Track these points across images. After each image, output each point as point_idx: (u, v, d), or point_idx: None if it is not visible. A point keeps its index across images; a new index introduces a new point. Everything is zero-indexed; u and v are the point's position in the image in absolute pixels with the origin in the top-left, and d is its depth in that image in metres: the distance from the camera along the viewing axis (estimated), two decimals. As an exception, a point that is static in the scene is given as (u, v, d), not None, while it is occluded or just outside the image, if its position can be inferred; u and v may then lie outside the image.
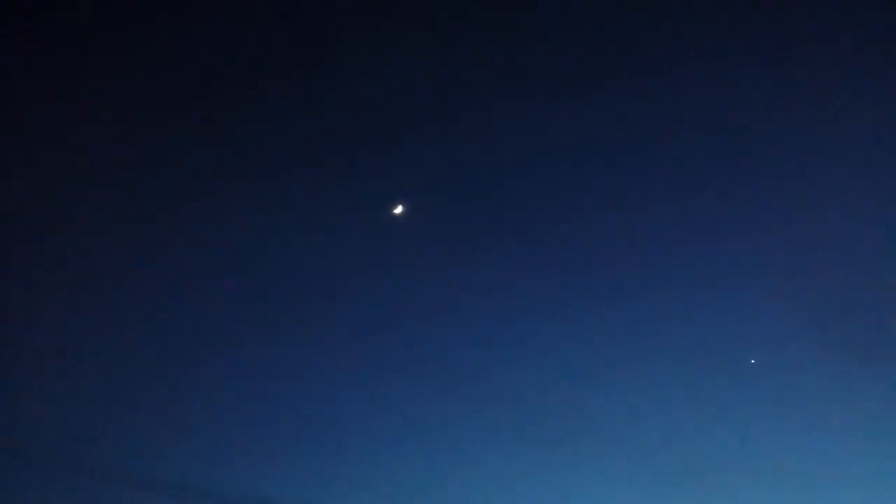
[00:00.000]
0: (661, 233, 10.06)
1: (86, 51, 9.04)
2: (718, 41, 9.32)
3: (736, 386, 10.11)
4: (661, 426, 10.29)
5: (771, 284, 9.92)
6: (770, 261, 9.96)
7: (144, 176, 9.58)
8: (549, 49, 9.38)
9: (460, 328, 10.49)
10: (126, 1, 8.77)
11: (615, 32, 9.27)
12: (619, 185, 9.96)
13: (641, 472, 10.22)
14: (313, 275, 10.09)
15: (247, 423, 10.38)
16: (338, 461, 10.37)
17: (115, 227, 9.75)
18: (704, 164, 9.76)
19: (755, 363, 10.01)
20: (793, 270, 9.87)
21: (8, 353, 9.77)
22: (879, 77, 9.20)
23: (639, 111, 9.61)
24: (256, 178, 9.76)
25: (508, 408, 10.37)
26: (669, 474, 10.17)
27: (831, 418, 9.78)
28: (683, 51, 9.30)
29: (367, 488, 10.22)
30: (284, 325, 10.33)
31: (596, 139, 9.79)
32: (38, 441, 9.79)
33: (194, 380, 10.31)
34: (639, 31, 9.25)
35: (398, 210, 9.80)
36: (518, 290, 10.28)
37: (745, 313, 10.08)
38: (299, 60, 9.44)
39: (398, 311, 10.41)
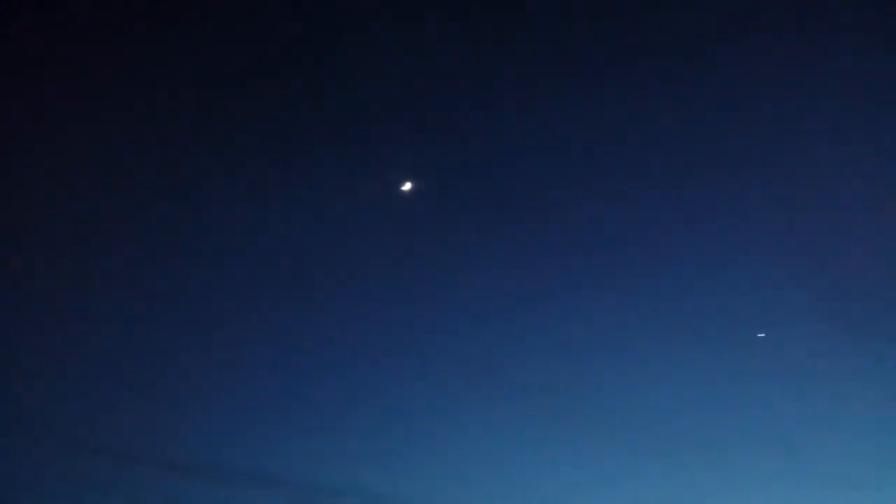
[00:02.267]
0: (670, 211, 10.08)
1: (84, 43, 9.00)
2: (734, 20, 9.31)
3: (744, 361, 10.20)
4: (669, 401, 10.43)
5: (779, 261, 9.98)
6: (778, 238, 10.04)
7: (149, 158, 9.54)
8: (560, 34, 9.33)
9: (470, 307, 10.52)
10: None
11: (624, 17, 9.23)
12: (631, 164, 9.94)
13: (649, 447, 10.37)
14: (321, 253, 10.06)
15: (254, 402, 10.49)
16: (345, 437, 10.47)
17: (121, 210, 9.76)
18: (717, 144, 9.76)
19: (764, 337, 10.14)
20: (801, 247, 9.96)
21: (16, 343, 9.88)
22: (878, 73, 9.26)
23: (649, 93, 9.57)
24: (263, 158, 9.73)
25: (517, 384, 10.43)
26: (676, 449, 10.32)
27: (838, 392, 9.92)
28: (699, 30, 9.30)
29: (371, 465, 10.34)
30: (292, 304, 10.38)
31: (610, 117, 9.74)
32: (46, 426, 9.89)
33: (202, 358, 10.36)
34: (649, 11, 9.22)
35: (406, 187, 9.79)
36: (526, 265, 10.30)
37: (753, 289, 10.14)
38: (306, 37, 9.32)
39: (405, 289, 10.45)
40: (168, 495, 9.89)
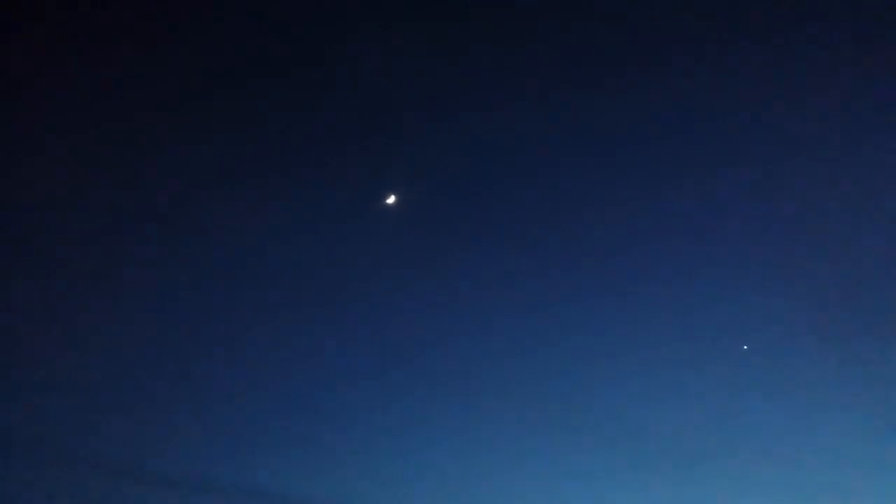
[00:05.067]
0: (655, 222, 10.21)
1: (85, 50, 9.16)
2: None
3: (729, 372, 10.29)
4: (655, 413, 10.45)
5: (763, 273, 10.10)
6: (762, 250, 10.13)
7: (142, 174, 9.57)
8: (544, 43, 9.47)
9: (456, 319, 10.58)
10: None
11: (610, 23, 9.34)
12: (615, 176, 10.07)
13: (635, 459, 10.41)
14: (307, 267, 10.09)
15: (243, 416, 10.47)
16: (336, 451, 10.48)
17: (117, 222, 9.78)
18: (700, 154, 9.89)
19: (747, 349, 10.23)
20: (785, 259, 10.05)
21: (17, 349, 9.89)
22: (875, 77, 9.36)
23: (635, 102, 9.70)
24: (249, 171, 9.80)
25: (506, 398, 10.48)
26: (663, 460, 10.36)
27: (823, 402, 9.97)
28: (684, 36, 9.40)
29: (362, 479, 10.34)
30: (279, 318, 10.40)
31: (591, 129, 9.88)
32: (44, 435, 9.87)
33: (192, 374, 10.37)
34: (636, 19, 9.33)
35: (390, 200, 9.86)
36: (514, 280, 10.37)
37: (738, 302, 10.24)
38: (292, 55, 9.46)
39: (393, 301, 10.46)
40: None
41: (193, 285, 10.12)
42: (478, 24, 9.32)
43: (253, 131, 9.71)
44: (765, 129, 9.69)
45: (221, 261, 10.05)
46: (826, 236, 9.84)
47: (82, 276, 9.90)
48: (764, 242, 10.11)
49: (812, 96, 9.45)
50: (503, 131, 9.88)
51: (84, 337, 10.10)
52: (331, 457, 10.47)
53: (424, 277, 10.35)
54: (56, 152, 9.45)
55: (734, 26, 9.25)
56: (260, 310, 10.31)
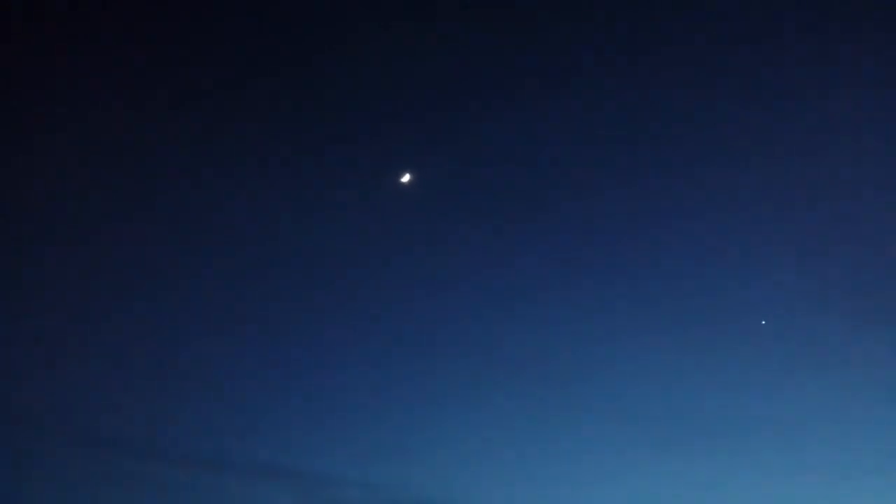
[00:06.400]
0: (673, 202, 10.20)
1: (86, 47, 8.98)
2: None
3: (747, 348, 10.33)
4: (673, 390, 10.56)
5: (782, 250, 10.13)
6: (781, 227, 10.16)
7: (159, 154, 9.63)
8: (557, 27, 9.31)
9: (471, 298, 10.65)
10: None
11: (620, 18, 9.19)
12: (637, 155, 10.04)
13: (653, 435, 10.54)
14: (322, 247, 10.19)
15: (260, 395, 10.67)
16: (348, 429, 10.66)
17: (128, 207, 9.89)
18: (727, 133, 9.84)
19: (766, 325, 10.26)
20: (804, 237, 10.05)
21: (28, 340, 9.88)
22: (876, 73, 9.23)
23: (652, 89, 9.66)
24: (263, 154, 9.86)
25: (520, 375, 10.62)
26: (680, 436, 10.47)
27: (841, 380, 10.00)
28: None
29: (374, 455, 10.52)
30: (295, 295, 10.57)
31: (619, 109, 9.83)
32: (56, 420, 10.02)
33: (208, 352, 10.53)
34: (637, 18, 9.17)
35: (405, 178, 9.81)
36: (529, 257, 10.45)
37: (756, 278, 10.29)
38: (307, 38, 9.35)
39: (410, 282, 10.57)
40: (174, 486, 10.03)
41: (214, 268, 10.29)
42: (493, 8, 9.14)
43: (268, 113, 9.74)
44: (792, 109, 9.61)
45: (241, 244, 10.16)
46: (847, 216, 9.82)
47: (91, 264, 9.99)
48: (783, 219, 10.16)
49: (830, 85, 9.37)
50: (522, 115, 9.88)
51: (103, 321, 10.31)
52: (345, 435, 10.65)
53: (443, 258, 10.41)
54: (60, 147, 9.38)
55: (737, 25, 9.11)
56: (283, 291, 10.49)
